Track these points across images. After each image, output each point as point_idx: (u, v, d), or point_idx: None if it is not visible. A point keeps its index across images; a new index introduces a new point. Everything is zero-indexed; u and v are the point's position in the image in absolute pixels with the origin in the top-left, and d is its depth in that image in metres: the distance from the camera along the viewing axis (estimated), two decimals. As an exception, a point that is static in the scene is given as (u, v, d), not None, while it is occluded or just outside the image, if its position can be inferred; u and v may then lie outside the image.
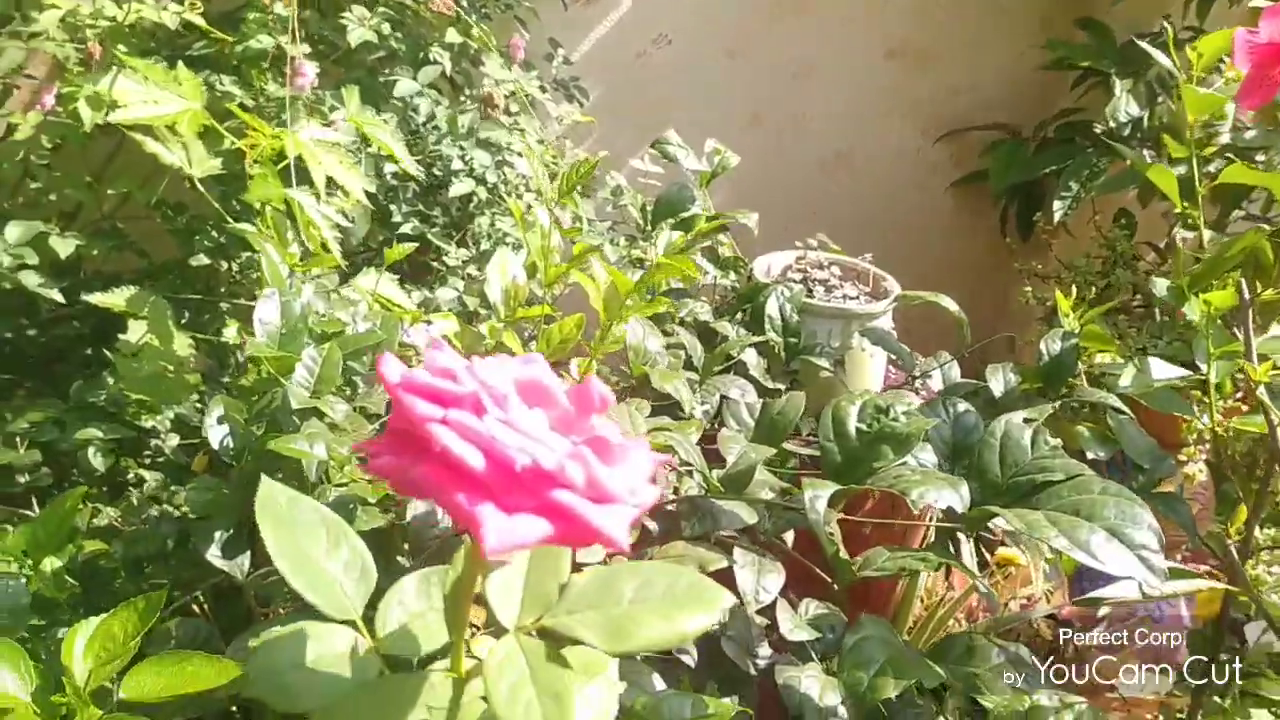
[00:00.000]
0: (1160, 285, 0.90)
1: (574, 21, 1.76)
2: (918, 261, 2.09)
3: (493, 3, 1.44)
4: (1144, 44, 1.19)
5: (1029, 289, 1.69)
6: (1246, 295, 0.82)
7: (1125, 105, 1.73)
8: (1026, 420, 0.85)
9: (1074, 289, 1.18)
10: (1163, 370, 0.86)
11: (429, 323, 0.85)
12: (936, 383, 1.05)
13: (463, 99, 1.35)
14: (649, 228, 1.20)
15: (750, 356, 1.05)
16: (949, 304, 1.09)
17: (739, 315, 1.11)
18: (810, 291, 1.18)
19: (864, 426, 0.83)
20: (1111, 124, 1.71)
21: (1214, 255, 0.83)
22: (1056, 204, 1.78)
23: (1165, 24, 1.82)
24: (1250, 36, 0.76)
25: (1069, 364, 1.01)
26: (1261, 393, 0.80)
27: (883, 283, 1.23)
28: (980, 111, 2.01)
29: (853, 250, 1.33)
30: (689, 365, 1.01)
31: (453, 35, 1.26)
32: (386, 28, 1.18)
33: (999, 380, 1.01)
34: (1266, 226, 1.38)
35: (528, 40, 1.41)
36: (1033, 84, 1.97)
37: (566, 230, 1.00)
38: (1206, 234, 0.93)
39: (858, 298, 1.21)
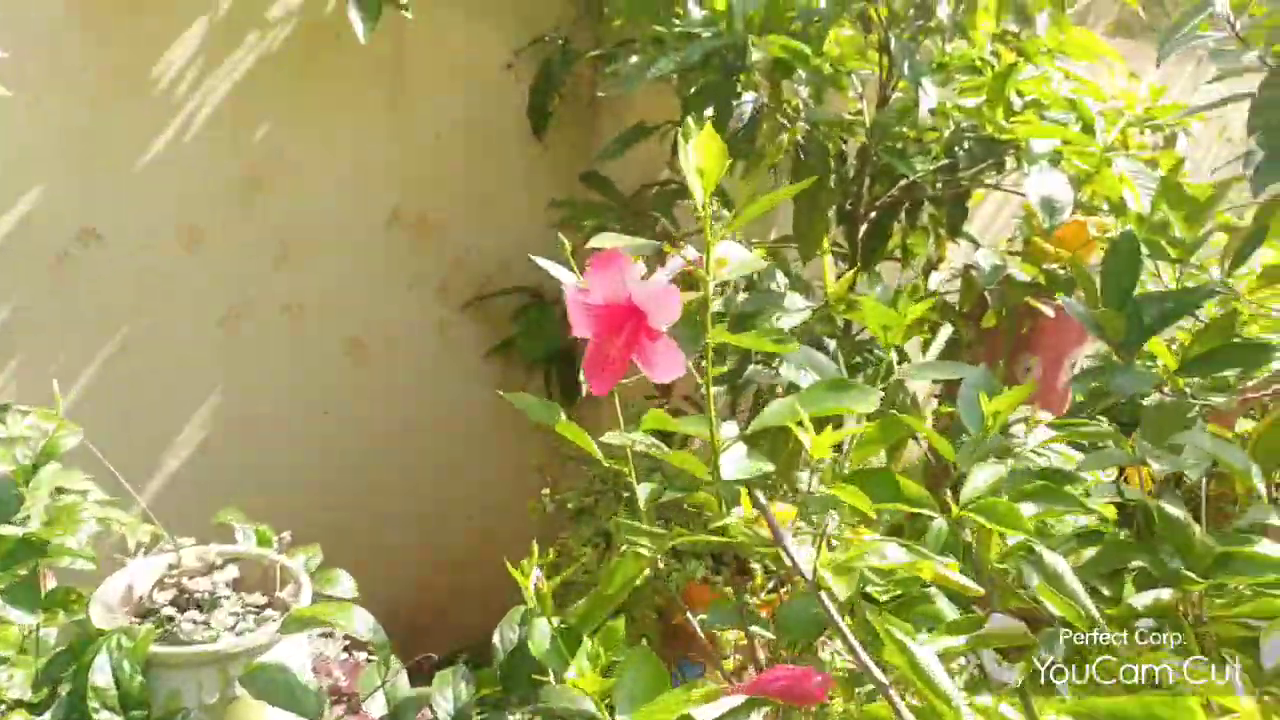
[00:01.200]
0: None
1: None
2: (462, 438, 1.87)
3: None
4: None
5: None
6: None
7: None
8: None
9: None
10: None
11: None
12: None
13: None
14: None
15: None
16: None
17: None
18: (174, 624, 0.87)
19: None
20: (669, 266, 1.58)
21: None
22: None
23: (671, 170, 1.75)
24: (583, 296, 0.57)
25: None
26: None
27: (295, 584, 0.95)
28: (500, 276, 1.83)
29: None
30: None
31: None
32: None
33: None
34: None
35: None
36: (550, 243, 1.82)
37: None
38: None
39: (264, 610, 0.91)
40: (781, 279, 1.67)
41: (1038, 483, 0.67)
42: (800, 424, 0.61)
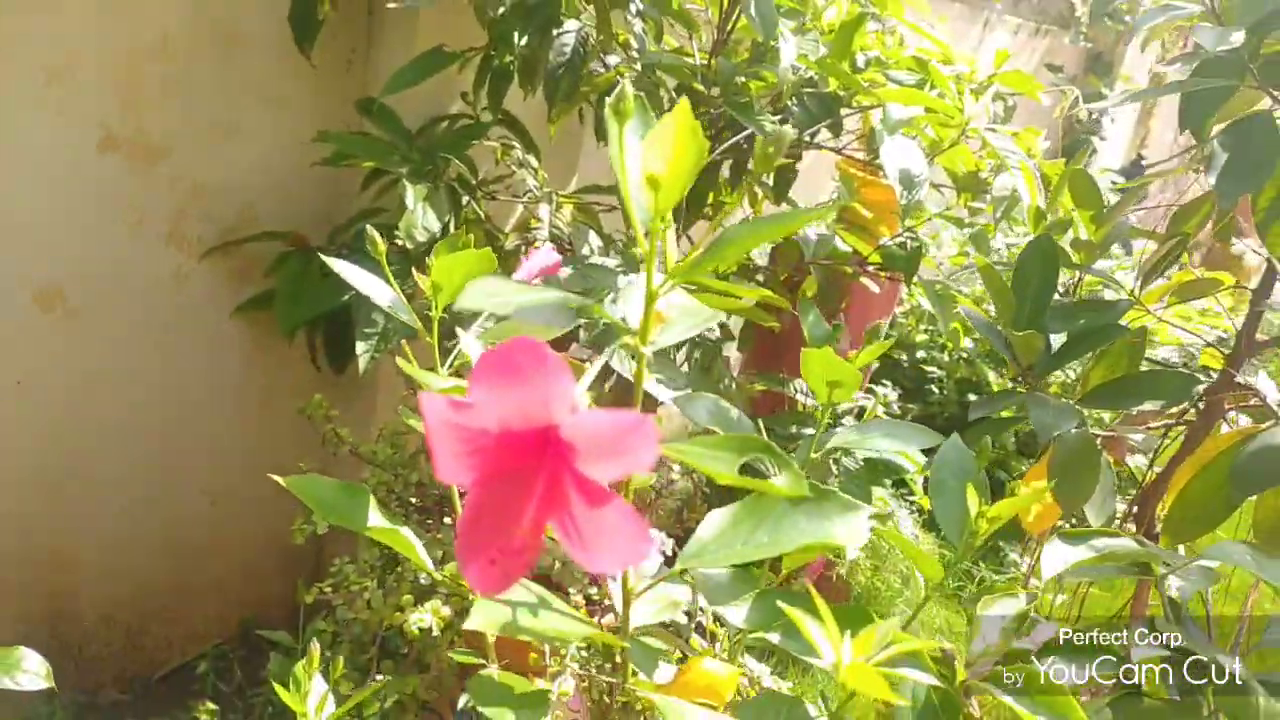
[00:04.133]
0: None
1: None
2: (201, 413, 1.52)
3: None
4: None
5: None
6: None
7: (422, 219, 1.33)
8: None
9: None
10: None
11: None
12: None
13: None
14: None
15: None
16: None
17: None
18: None
19: None
20: (408, 244, 1.30)
21: None
22: (360, 345, 1.33)
23: (466, 103, 1.47)
24: (460, 415, 0.32)
25: None
26: None
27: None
28: (248, 218, 1.49)
29: None
30: None
31: None
32: None
33: None
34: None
35: None
36: (320, 181, 1.50)
37: None
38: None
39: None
40: (595, 242, 1.46)
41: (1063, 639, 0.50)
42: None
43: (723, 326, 1.54)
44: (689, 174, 0.39)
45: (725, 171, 1.53)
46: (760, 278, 1.70)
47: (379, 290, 0.63)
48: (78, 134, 1.31)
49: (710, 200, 1.66)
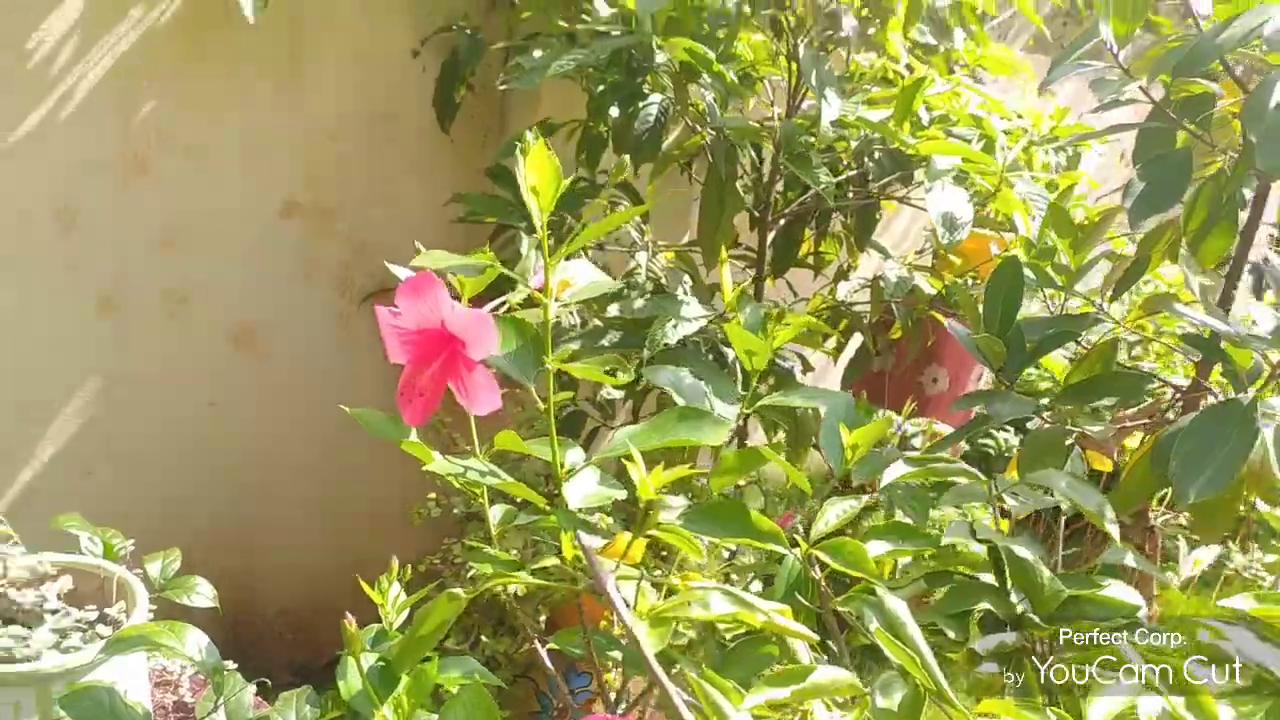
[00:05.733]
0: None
1: None
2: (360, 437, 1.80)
3: None
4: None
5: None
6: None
7: (535, 263, 1.56)
8: None
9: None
10: None
11: None
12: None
13: None
14: None
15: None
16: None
17: None
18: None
19: None
20: (523, 289, 1.54)
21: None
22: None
23: (579, 168, 1.71)
24: (395, 319, 0.53)
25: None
26: None
27: (133, 593, 0.90)
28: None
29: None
30: None
31: None
32: None
33: None
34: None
35: None
36: (456, 236, 1.78)
37: None
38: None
39: (94, 625, 0.86)
40: (687, 283, 1.65)
41: (889, 519, 0.65)
42: (631, 459, 0.58)
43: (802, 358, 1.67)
44: (553, 186, 0.59)
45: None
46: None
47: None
48: (265, 200, 1.63)
49: (805, 250, 1.84)
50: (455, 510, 1.38)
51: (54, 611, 0.85)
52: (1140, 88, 0.90)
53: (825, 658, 0.64)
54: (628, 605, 0.54)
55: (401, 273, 0.68)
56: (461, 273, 0.68)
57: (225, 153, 1.57)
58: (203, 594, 1.06)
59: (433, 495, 1.39)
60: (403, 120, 1.70)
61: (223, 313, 1.65)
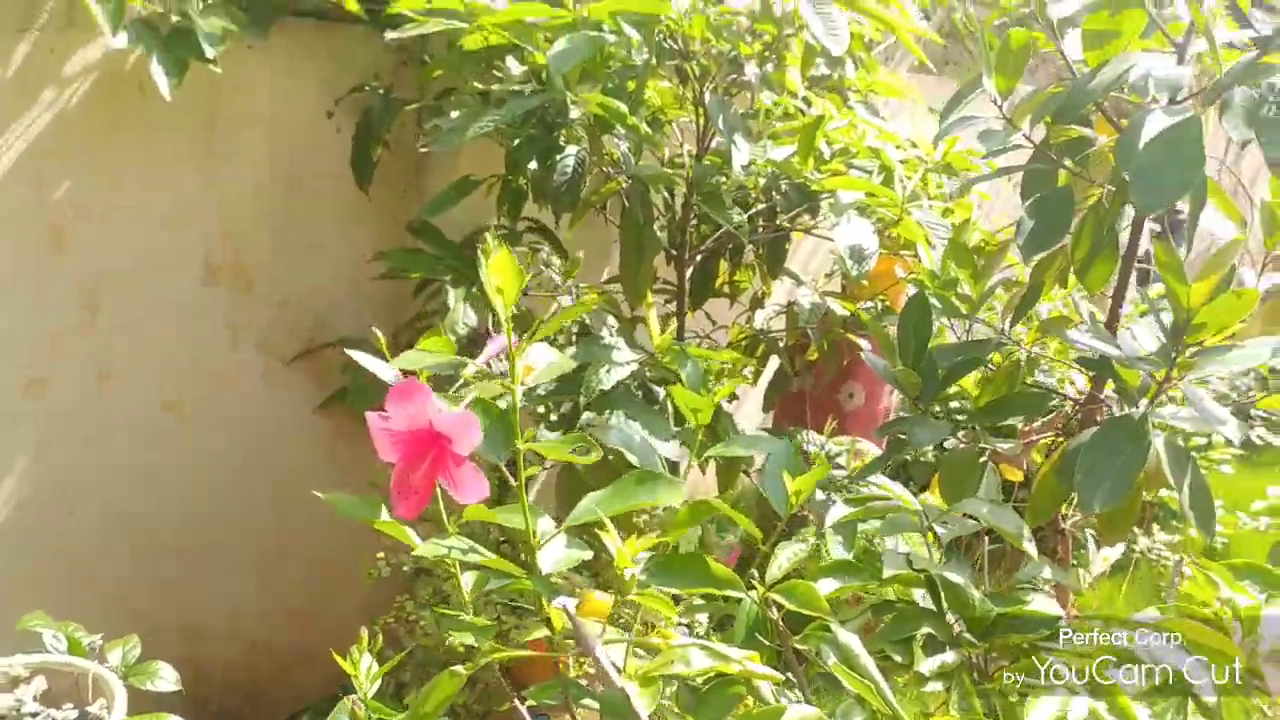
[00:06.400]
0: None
1: None
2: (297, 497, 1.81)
3: None
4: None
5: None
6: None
7: (463, 315, 1.60)
8: None
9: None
10: None
11: None
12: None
13: None
14: None
15: None
16: None
17: None
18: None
19: None
20: (451, 336, 1.58)
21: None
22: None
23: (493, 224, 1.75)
24: (384, 423, 0.57)
25: None
26: None
27: (110, 689, 0.91)
28: (325, 327, 1.79)
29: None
30: None
31: None
32: None
33: None
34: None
35: None
36: (381, 291, 1.80)
37: None
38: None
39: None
40: (612, 324, 1.70)
41: (833, 559, 0.72)
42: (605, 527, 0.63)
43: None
44: (516, 285, 0.65)
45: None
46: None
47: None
48: (187, 267, 1.63)
49: (721, 280, 1.92)
50: (405, 567, 1.41)
51: (34, 715, 0.86)
52: (1025, 136, 0.99)
53: (788, 692, 0.70)
54: (618, 670, 0.59)
55: (382, 370, 0.73)
56: (434, 370, 0.72)
57: (145, 221, 1.57)
58: (165, 678, 1.08)
59: (381, 554, 1.41)
60: (321, 180, 1.72)
61: (154, 383, 1.64)
